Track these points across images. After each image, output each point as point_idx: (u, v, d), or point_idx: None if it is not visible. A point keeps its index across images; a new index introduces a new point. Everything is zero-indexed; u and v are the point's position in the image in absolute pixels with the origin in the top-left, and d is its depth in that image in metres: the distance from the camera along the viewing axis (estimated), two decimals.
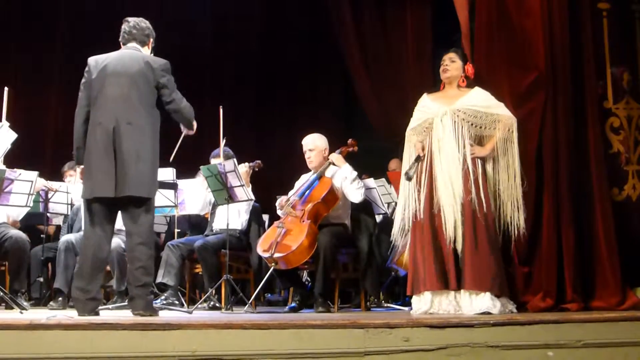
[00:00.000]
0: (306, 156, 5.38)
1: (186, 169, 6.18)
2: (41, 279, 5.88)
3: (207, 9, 8.67)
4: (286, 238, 4.95)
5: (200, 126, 8.25)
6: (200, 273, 5.98)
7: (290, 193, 5.45)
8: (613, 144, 4.47)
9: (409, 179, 4.27)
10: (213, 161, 5.68)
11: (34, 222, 6.20)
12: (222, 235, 5.49)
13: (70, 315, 3.67)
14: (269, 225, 6.17)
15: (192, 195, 6.03)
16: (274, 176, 7.15)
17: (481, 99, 4.28)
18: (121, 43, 4.18)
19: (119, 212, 4.02)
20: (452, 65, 4.39)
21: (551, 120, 4.28)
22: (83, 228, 4.10)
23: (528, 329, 3.17)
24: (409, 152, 4.43)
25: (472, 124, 4.23)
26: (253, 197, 5.48)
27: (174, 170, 5.78)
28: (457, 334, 3.07)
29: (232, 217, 5.57)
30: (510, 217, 4.16)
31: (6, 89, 5.05)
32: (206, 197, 5.93)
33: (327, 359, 2.94)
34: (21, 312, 4.38)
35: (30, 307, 5.06)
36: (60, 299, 5.44)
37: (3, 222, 5.49)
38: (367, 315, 4.19)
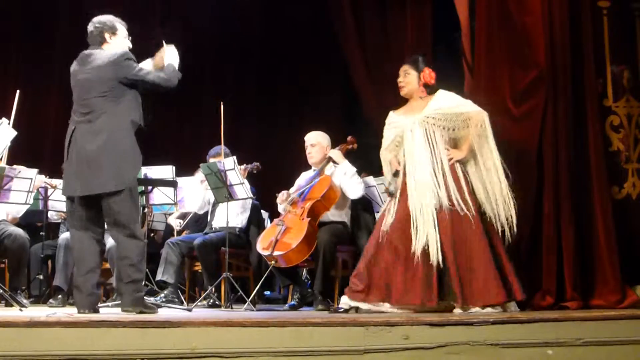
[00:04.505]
0: (307, 151, 5.38)
1: (185, 167, 6.18)
2: (41, 277, 5.88)
3: (207, 6, 8.65)
4: (286, 236, 4.95)
5: (199, 124, 8.26)
6: (199, 271, 5.98)
7: (292, 190, 5.46)
8: (613, 142, 4.47)
9: (390, 194, 4.22)
10: (212, 160, 5.68)
11: (34, 220, 6.19)
12: (222, 233, 5.49)
13: (69, 312, 3.68)
14: (269, 223, 6.18)
15: (191, 193, 6.03)
16: (274, 174, 7.14)
17: (447, 101, 4.20)
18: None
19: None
20: (406, 79, 4.29)
21: (551, 119, 4.28)
22: (69, 233, 4.12)
23: (528, 327, 3.17)
24: (387, 171, 4.38)
25: (444, 128, 4.15)
26: (252, 195, 5.49)
27: (174, 167, 5.78)
28: (457, 332, 3.07)
29: (232, 215, 5.57)
30: (496, 215, 4.04)
31: (17, 91, 5.07)
32: (205, 196, 5.93)
33: (326, 357, 2.94)
34: (21, 310, 4.38)
35: (29, 304, 5.05)
36: (59, 296, 5.44)
37: (2, 219, 5.50)
38: (366, 314, 4.19)
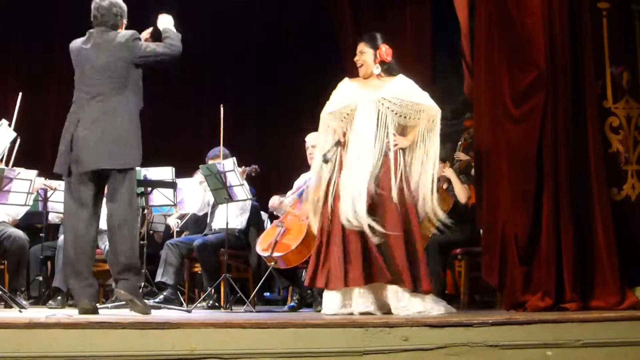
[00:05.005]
0: (308, 152, 5.36)
1: (185, 168, 6.19)
2: (40, 278, 5.88)
3: (207, 7, 8.66)
4: (285, 237, 4.96)
5: (199, 125, 8.27)
6: (199, 272, 5.99)
7: (289, 193, 5.46)
8: (612, 143, 4.47)
9: (326, 161, 4.17)
10: (211, 162, 5.68)
11: (33, 221, 6.20)
12: (221, 235, 5.50)
13: (69, 314, 3.67)
14: (269, 224, 6.18)
15: (190, 194, 6.03)
16: (274, 175, 7.16)
17: (406, 88, 4.19)
18: (93, 25, 4.12)
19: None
20: (362, 57, 4.26)
21: (551, 119, 4.27)
22: (63, 212, 4.10)
23: (527, 328, 3.16)
24: (326, 136, 4.31)
25: (396, 114, 4.14)
26: (252, 197, 5.49)
27: (173, 169, 5.78)
28: (456, 333, 3.07)
29: (231, 216, 5.57)
30: (422, 206, 4.07)
31: (20, 94, 5.09)
32: (204, 198, 5.93)
33: (326, 358, 2.94)
34: (20, 311, 4.38)
35: (29, 305, 5.06)
36: (59, 297, 5.44)
37: (2, 220, 5.50)
38: (366, 315, 4.19)
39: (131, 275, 3.89)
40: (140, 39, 4.07)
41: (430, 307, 3.93)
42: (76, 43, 4.10)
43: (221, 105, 5.41)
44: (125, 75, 3.97)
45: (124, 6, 4.17)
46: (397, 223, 3.96)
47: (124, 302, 4.82)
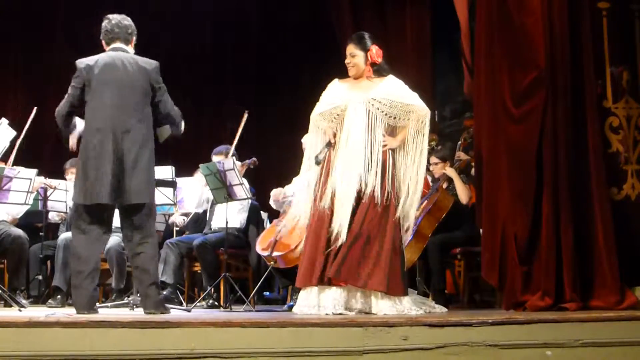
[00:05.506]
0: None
1: (185, 168, 6.19)
2: (40, 277, 5.88)
3: (207, 9, 8.65)
4: (285, 237, 4.95)
5: (199, 125, 8.26)
6: (199, 271, 5.99)
7: (287, 187, 5.45)
8: (612, 143, 4.47)
9: (317, 163, 4.18)
10: (214, 158, 5.70)
11: (33, 220, 6.20)
12: (221, 234, 5.50)
13: (69, 313, 3.68)
14: (269, 224, 6.18)
15: (190, 193, 6.04)
16: (274, 174, 7.15)
17: (397, 89, 4.19)
18: (104, 42, 4.10)
19: (117, 214, 4.01)
20: (353, 60, 4.22)
21: (551, 119, 4.27)
22: (71, 230, 4.07)
23: (526, 328, 3.17)
24: (317, 137, 4.34)
25: (386, 114, 4.13)
26: (252, 196, 5.49)
27: (173, 168, 5.78)
28: (456, 332, 3.07)
29: (231, 216, 5.57)
30: (402, 207, 4.06)
31: (35, 108, 5.13)
32: (202, 195, 5.93)
33: (325, 357, 2.94)
34: (20, 310, 4.38)
35: (28, 304, 5.06)
36: (58, 296, 5.44)
37: (2, 219, 5.50)
38: (365, 314, 4.19)
39: (158, 291, 3.96)
40: (160, 73, 4.04)
41: (406, 308, 3.92)
42: (89, 62, 3.98)
43: (246, 111, 5.53)
44: (147, 101, 3.97)
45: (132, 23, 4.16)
46: (375, 224, 3.97)
47: (124, 302, 4.85)
